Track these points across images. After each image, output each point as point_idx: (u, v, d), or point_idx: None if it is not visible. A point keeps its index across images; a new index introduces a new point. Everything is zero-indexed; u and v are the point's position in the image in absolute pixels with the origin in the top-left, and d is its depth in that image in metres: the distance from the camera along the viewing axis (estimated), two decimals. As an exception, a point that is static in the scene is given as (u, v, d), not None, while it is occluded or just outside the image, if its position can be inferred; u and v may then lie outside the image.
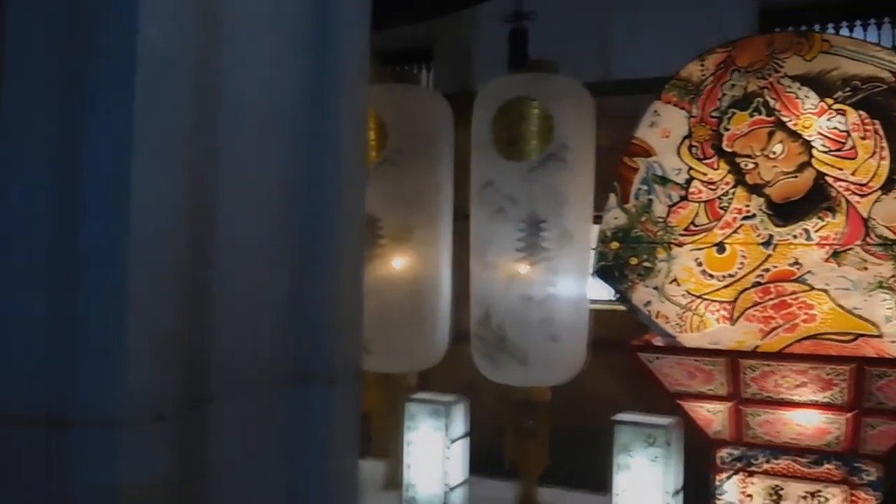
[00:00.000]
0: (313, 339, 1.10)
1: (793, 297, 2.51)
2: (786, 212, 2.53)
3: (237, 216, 0.94)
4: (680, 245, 2.64)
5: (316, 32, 1.10)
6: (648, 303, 2.68)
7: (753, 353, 2.45)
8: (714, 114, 2.61)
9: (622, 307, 3.46)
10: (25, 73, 0.78)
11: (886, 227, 2.40)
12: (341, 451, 1.14)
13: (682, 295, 2.63)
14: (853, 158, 2.46)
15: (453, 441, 3.04)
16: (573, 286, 3.03)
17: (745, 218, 2.57)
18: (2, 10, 0.78)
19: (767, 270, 2.54)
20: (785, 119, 2.53)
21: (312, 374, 1.09)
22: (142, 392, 0.77)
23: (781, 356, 2.42)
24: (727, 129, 2.60)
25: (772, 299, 2.53)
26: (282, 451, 1.04)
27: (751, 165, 2.57)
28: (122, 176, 0.75)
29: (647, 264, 2.67)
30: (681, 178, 2.65)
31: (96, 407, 0.74)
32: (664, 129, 2.67)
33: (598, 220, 3.05)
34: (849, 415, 2.38)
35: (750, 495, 2.58)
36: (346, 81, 1.14)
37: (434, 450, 3.03)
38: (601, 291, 3.25)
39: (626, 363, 3.71)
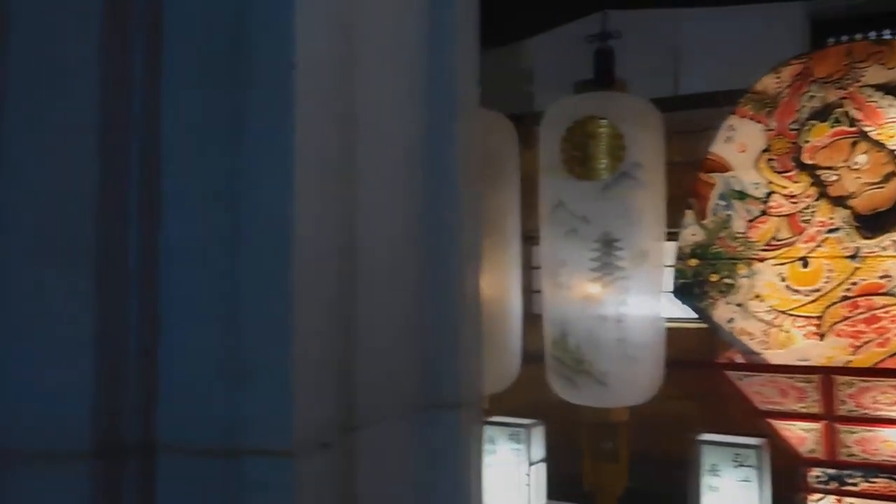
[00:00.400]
0: (441, 366, 1.10)
1: (884, 310, 2.44)
2: (873, 223, 2.47)
3: (372, 246, 0.95)
4: (761, 260, 2.60)
5: (432, 62, 1.11)
6: (731, 320, 2.63)
7: (850, 370, 2.39)
8: (793, 126, 2.57)
9: (691, 325, 3.40)
10: (183, 110, 0.80)
11: (981, 236, 2.33)
12: (470, 477, 1.14)
13: (767, 311, 2.58)
14: (942, 167, 2.40)
15: (532, 464, 3.01)
16: (649, 305, 2.99)
17: (829, 231, 2.52)
18: (157, 46, 0.81)
19: (855, 284, 2.48)
20: (868, 129, 2.47)
21: (442, 400, 1.09)
22: (308, 421, 0.77)
23: (880, 372, 2.35)
24: (807, 142, 2.55)
25: (861, 313, 2.46)
26: (416, 480, 1.04)
27: (833, 177, 2.52)
28: (283, 211, 0.76)
29: (727, 280, 2.63)
30: (760, 193, 2.61)
31: (268, 437, 0.74)
32: (741, 143, 2.64)
33: (670, 237, 3.03)
34: (950, 431, 2.30)
35: (845, 516, 2.50)
36: (460, 113, 1.15)
37: (513, 473, 3.01)
38: (669, 310, 3.21)
39: (699, 383, 3.64)
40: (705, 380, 3.49)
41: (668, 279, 3.03)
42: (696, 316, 2.95)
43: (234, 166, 0.77)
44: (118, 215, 0.77)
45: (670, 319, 3.30)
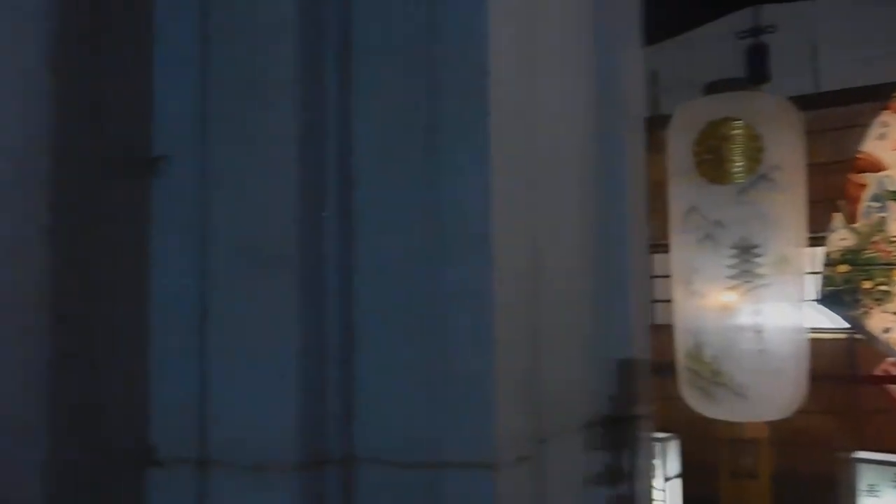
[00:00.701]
0: (614, 378, 1.06)
1: None
2: None
3: (551, 255, 0.92)
4: (921, 265, 2.42)
5: (600, 69, 1.08)
6: (888, 329, 2.46)
7: None
8: (955, 120, 2.39)
9: (833, 335, 3.21)
10: (377, 121, 0.80)
11: None
12: (646, 489, 1.10)
13: (929, 320, 2.40)
14: None
15: (667, 479, 2.91)
16: (791, 314, 2.84)
17: None
18: (348, 59, 0.81)
19: None
20: None
21: (617, 412, 1.06)
22: (508, 434, 0.75)
23: None
24: (973, 136, 2.36)
25: None
26: (596, 492, 1.01)
27: None
28: (483, 219, 0.75)
29: (883, 287, 2.46)
30: (919, 193, 2.44)
31: (470, 449, 0.73)
32: None
33: (812, 242, 2.87)
34: None
35: None
36: (629, 120, 1.11)
37: (648, 489, 2.91)
38: (811, 319, 3.04)
39: (842, 396, 3.43)
40: (849, 393, 3.29)
41: (810, 286, 2.87)
42: (840, 325, 2.79)
43: (430, 175, 0.76)
44: (317, 227, 0.78)
45: (812, 329, 3.13)
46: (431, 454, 0.74)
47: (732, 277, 2.82)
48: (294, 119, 0.78)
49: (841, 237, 2.53)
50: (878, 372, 2.47)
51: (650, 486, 1.18)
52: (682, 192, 2.99)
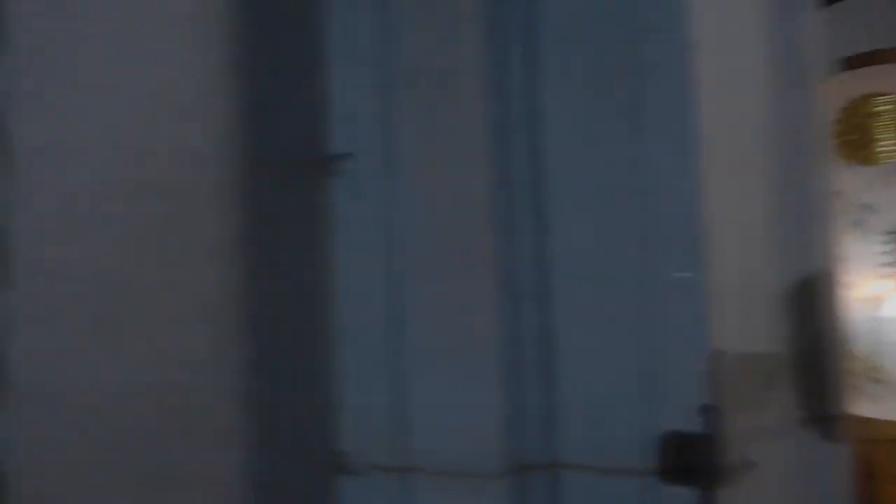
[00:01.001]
0: (812, 377, 0.98)
1: None
2: None
3: (743, 240, 0.85)
4: None
5: (780, 34, 1.00)
6: None
7: None
8: None
9: None
10: (567, 106, 0.75)
11: None
12: (844, 490, 1.01)
13: None
14: None
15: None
16: (955, 303, 2.61)
17: None
18: (534, 45, 0.77)
19: None
20: None
21: (817, 413, 0.98)
22: (731, 436, 0.69)
23: None
24: None
25: None
26: (799, 494, 0.93)
27: None
28: (693, 201, 0.70)
29: None
30: None
31: (690, 454, 0.67)
32: None
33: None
34: None
35: None
36: (813, 85, 1.02)
37: (799, 493, 2.74)
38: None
39: None
40: None
41: (974, 272, 2.64)
42: None
43: (632, 160, 0.71)
44: (509, 221, 0.74)
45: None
46: (644, 460, 0.68)
47: (886, 265, 2.61)
48: (482, 110, 0.74)
49: None
50: None
51: (849, 485, 1.09)
52: (824, 177, 2.80)
